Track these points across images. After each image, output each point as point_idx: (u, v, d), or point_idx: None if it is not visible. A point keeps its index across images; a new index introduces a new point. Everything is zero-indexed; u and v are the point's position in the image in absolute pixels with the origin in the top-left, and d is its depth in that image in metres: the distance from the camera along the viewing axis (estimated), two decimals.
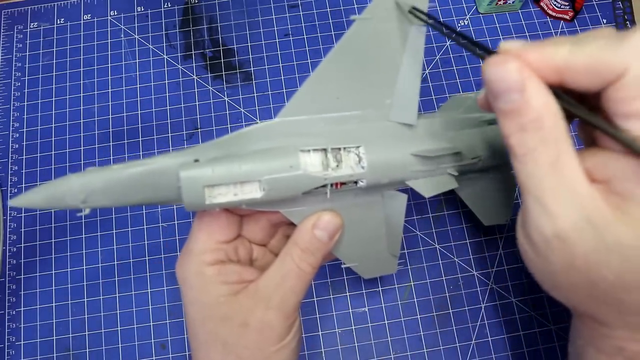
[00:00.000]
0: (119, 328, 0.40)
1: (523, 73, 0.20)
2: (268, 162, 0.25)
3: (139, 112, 0.45)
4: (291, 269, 0.27)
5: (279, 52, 0.47)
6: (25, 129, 0.45)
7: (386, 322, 0.40)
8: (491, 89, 0.21)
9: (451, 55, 0.47)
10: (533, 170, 0.20)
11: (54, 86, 0.46)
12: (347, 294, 0.40)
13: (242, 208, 0.25)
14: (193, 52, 0.48)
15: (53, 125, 0.45)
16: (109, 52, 0.48)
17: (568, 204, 0.19)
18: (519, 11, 0.49)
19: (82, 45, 0.48)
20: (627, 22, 0.48)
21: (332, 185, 0.26)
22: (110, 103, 0.46)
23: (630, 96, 0.19)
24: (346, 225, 0.28)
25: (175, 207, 0.43)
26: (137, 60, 0.47)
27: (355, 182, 0.27)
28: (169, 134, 0.45)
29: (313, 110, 0.27)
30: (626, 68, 0.18)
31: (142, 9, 0.49)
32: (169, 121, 0.45)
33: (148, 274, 0.41)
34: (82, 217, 0.42)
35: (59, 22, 0.49)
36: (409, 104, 0.28)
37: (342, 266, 0.30)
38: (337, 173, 0.26)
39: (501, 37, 0.48)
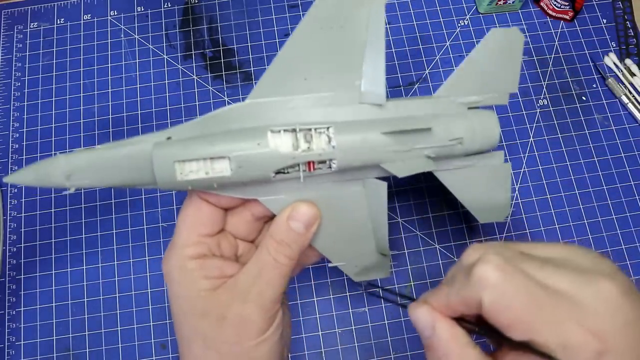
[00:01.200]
0: (119, 328, 0.40)
1: (432, 314, 0.24)
2: (237, 140, 0.25)
3: (139, 112, 0.45)
4: (268, 261, 0.27)
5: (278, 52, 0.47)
6: (25, 129, 0.45)
7: (386, 322, 0.40)
8: (416, 329, 0.25)
9: (451, 55, 0.47)
10: None
11: (54, 86, 0.46)
12: (347, 294, 0.40)
13: (216, 191, 0.26)
14: (193, 52, 0.48)
15: (53, 125, 0.45)
16: (109, 52, 0.48)
17: None
18: (519, 11, 0.49)
19: (82, 45, 0.48)
20: (627, 22, 0.48)
21: (304, 166, 0.26)
22: (110, 103, 0.46)
23: (498, 317, 0.21)
24: (327, 215, 0.28)
25: (175, 207, 0.43)
26: (137, 60, 0.47)
27: (329, 166, 0.26)
28: None
29: (283, 91, 0.28)
30: (480, 299, 0.21)
31: (142, 9, 0.49)
32: (169, 121, 0.45)
33: (148, 274, 0.41)
34: (82, 217, 0.42)
35: (59, 22, 0.49)
36: (377, 83, 0.28)
37: (329, 265, 0.30)
38: (307, 152, 0.26)
39: None
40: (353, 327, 0.40)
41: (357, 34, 0.28)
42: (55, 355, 0.39)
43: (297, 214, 0.27)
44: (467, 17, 0.49)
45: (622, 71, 0.46)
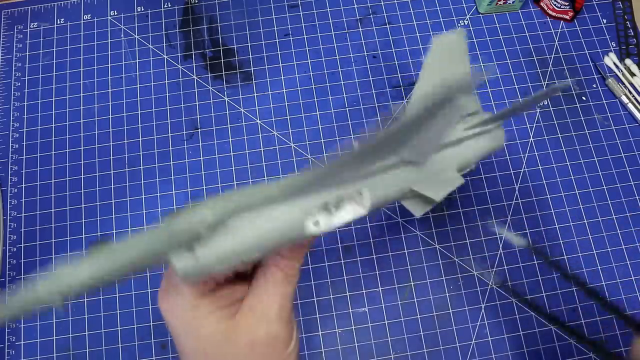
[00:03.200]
0: (119, 328, 0.40)
1: None
2: (271, 234, 0.23)
3: (139, 112, 0.45)
4: (279, 277, 0.27)
5: (279, 52, 0.47)
6: (25, 129, 0.45)
7: (386, 322, 0.40)
8: None
9: None
10: None
11: (54, 86, 0.46)
12: (347, 294, 0.40)
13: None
14: (193, 52, 0.48)
15: (53, 125, 0.45)
16: (109, 52, 0.48)
17: None
18: (519, 11, 0.49)
19: (82, 45, 0.48)
20: (627, 22, 0.48)
21: None
22: (110, 103, 0.46)
23: None
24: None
25: (175, 207, 0.43)
26: (137, 60, 0.47)
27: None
28: (169, 134, 0.45)
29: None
30: None
31: (142, 9, 0.49)
32: (169, 121, 0.45)
33: (148, 273, 0.41)
34: (82, 217, 0.42)
35: (59, 22, 0.49)
36: (425, 148, 0.27)
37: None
38: (337, 220, 0.24)
39: (501, 37, 0.48)
40: (353, 327, 0.40)
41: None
42: (55, 355, 0.39)
43: None
44: (467, 17, 0.49)
45: (622, 71, 0.46)
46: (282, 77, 0.47)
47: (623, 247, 0.42)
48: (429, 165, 0.28)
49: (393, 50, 0.47)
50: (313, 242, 0.28)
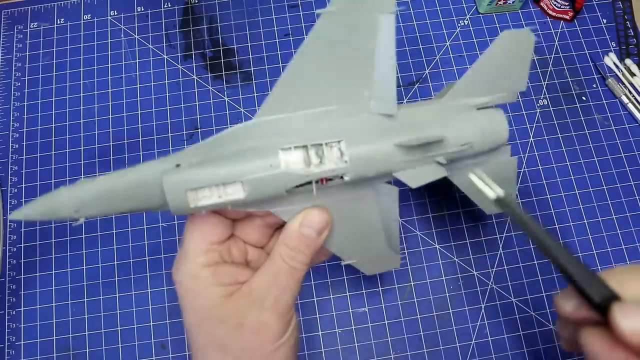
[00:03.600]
0: (119, 328, 0.40)
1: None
2: (248, 162, 0.25)
3: (139, 112, 0.45)
4: (282, 267, 0.27)
5: (279, 52, 0.47)
6: (25, 129, 0.45)
7: (386, 322, 0.40)
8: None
9: (451, 55, 0.47)
10: None
11: (54, 86, 0.46)
12: (347, 294, 0.40)
13: (229, 209, 0.26)
14: (193, 52, 0.48)
15: (53, 125, 0.45)
16: (109, 52, 0.48)
17: None
18: (519, 11, 0.49)
19: (82, 45, 0.48)
20: (627, 22, 0.48)
21: (317, 181, 0.26)
22: (110, 103, 0.46)
23: None
24: (339, 220, 0.28)
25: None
26: (137, 60, 0.47)
27: (341, 177, 0.26)
28: (169, 134, 0.45)
29: (291, 107, 0.27)
30: None
31: (142, 9, 0.49)
32: (169, 121, 0.45)
33: (148, 274, 0.41)
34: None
35: (59, 22, 0.49)
36: (387, 94, 0.28)
37: (342, 264, 0.30)
38: (319, 169, 0.26)
39: None
40: (353, 327, 0.40)
41: (364, 44, 0.28)
42: (55, 355, 0.39)
43: (309, 220, 0.27)
44: (467, 17, 0.49)
45: (622, 71, 0.46)
46: None
47: (623, 247, 0.42)
48: (407, 119, 0.29)
49: None
50: (322, 235, 0.28)
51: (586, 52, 0.47)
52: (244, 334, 0.26)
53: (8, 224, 0.43)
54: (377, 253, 0.31)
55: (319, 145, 0.26)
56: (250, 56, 0.47)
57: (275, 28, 0.48)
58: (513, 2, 0.47)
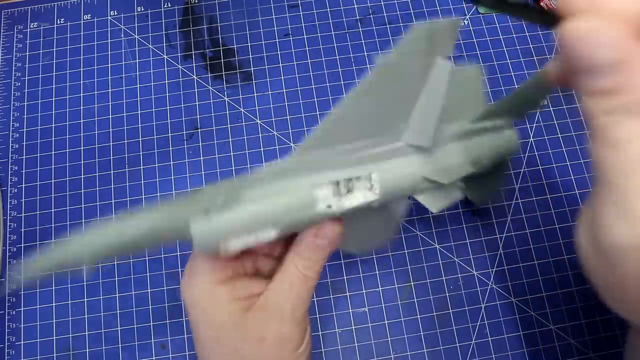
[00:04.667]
0: (119, 328, 0.40)
1: (629, 43, 0.15)
2: (282, 207, 0.25)
3: (139, 112, 0.45)
4: (297, 277, 0.27)
5: (279, 52, 0.47)
6: (25, 129, 0.45)
7: (386, 322, 0.40)
8: (578, 63, 0.17)
9: (451, 55, 0.47)
10: (624, 162, 0.16)
11: (54, 86, 0.47)
12: (347, 294, 0.40)
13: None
14: (193, 52, 0.48)
15: (53, 125, 0.45)
16: (109, 52, 0.48)
17: None
18: None
19: (82, 45, 0.48)
20: None
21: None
22: (110, 103, 0.46)
23: None
24: (349, 225, 0.29)
25: None
26: (137, 60, 0.47)
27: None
28: (169, 134, 0.45)
29: (327, 144, 0.27)
30: None
31: (142, 9, 0.49)
32: (169, 121, 0.45)
33: (148, 274, 0.41)
34: (82, 217, 0.42)
35: (59, 22, 0.49)
36: (425, 126, 0.28)
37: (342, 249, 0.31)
38: (349, 202, 0.26)
39: (501, 37, 0.48)
40: (353, 327, 0.40)
41: (414, 85, 0.27)
42: (55, 355, 0.39)
43: (324, 233, 0.27)
44: (467, 17, 0.49)
45: None
46: (282, 77, 0.47)
47: None
48: (439, 155, 0.29)
49: None
50: (335, 245, 0.28)
51: None
52: (266, 347, 0.26)
53: (8, 224, 0.43)
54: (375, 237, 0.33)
55: (349, 180, 0.26)
56: (250, 56, 0.47)
57: (275, 28, 0.48)
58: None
